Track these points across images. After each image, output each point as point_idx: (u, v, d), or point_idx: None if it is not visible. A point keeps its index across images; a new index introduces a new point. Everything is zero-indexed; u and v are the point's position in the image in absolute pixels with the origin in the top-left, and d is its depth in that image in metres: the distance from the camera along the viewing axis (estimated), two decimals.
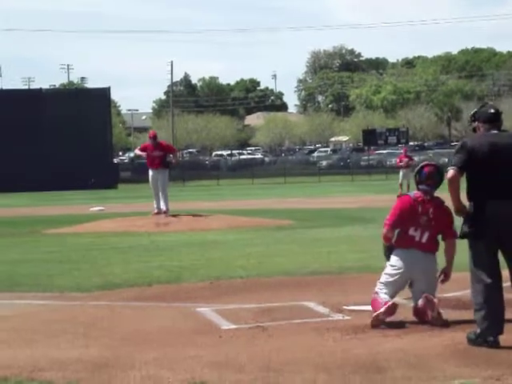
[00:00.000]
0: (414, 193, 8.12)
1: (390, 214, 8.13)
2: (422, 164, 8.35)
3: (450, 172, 7.02)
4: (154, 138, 21.02)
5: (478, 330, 7.03)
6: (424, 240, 7.92)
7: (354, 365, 6.52)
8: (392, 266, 8.01)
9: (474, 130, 7.43)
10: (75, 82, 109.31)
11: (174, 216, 20.81)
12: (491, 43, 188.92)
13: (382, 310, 7.75)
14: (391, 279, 7.97)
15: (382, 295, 7.94)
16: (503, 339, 7.01)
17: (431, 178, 8.09)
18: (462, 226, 7.23)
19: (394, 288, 8.02)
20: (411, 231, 7.93)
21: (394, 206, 8.14)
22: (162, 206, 20.85)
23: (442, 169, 8.21)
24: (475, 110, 7.52)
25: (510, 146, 7.07)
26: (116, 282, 11.49)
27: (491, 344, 6.94)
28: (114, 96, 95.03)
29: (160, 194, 20.89)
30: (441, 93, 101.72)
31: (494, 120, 7.24)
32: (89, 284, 11.30)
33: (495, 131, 7.20)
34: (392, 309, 7.80)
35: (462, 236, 7.27)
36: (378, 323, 7.77)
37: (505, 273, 7.17)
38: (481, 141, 7.12)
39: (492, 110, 7.31)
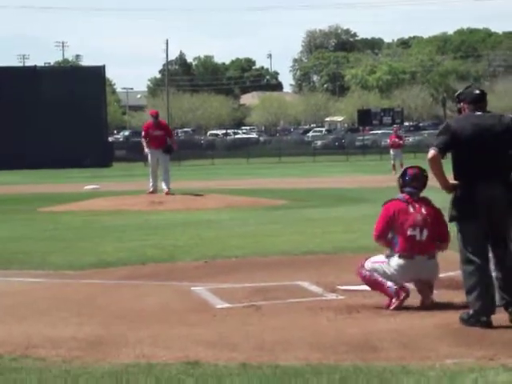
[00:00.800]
0: (402, 195, 8.01)
1: (376, 223, 8.01)
2: (405, 167, 8.33)
3: (431, 152, 7.08)
4: (157, 116, 21.41)
5: (471, 311, 7.06)
6: (424, 237, 7.75)
7: (347, 344, 6.53)
8: (396, 270, 7.79)
9: (460, 110, 7.48)
10: (70, 59, 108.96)
11: (169, 194, 20.77)
12: (487, 24, 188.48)
13: (398, 302, 7.70)
14: (394, 277, 7.82)
15: (389, 283, 7.81)
16: (495, 319, 7.04)
17: (416, 179, 8.02)
18: (449, 209, 7.26)
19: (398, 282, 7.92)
20: (410, 231, 7.76)
21: (379, 215, 7.98)
22: (164, 186, 20.82)
23: (426, 171, 8.16)
24: (460, 91, 7.57)
25: (492, 127, 7.10)
26: (110, 260, 11.50)
27: (484, 324, 6.97)
28: (108, 74, 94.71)
29: (163, 174, 20.92)
30: (436, 73, 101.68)
31: (479, 101, 7.28)
32: (82, 262, 11.30)
33: (479, 112, 7.23)
34: (407, 297, 7.77)
35: (451, 219, 7.30)
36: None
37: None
38: (464, 122, 7.17)
39: (477, 91, 7.36)
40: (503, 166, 7.12)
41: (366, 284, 8.06)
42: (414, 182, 8.02)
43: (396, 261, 7.78)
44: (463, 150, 7.08)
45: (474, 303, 7.05)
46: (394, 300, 7.76)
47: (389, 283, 7.81)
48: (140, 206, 19.64)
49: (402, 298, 7.72)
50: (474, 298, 7.05)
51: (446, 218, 7.47)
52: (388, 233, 7.92)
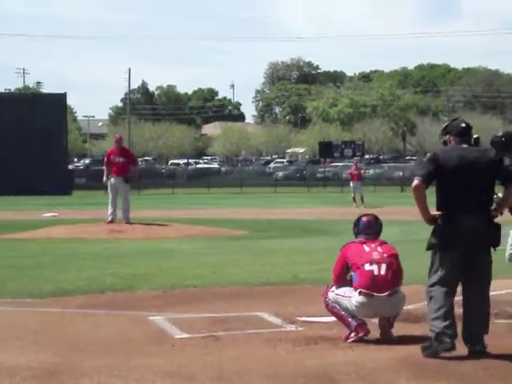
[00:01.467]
0: (357, 239, 8.04)
1: (334, 267, 8.02)
2: (360, 214, 8.37)
3: (415, 182, 7.19)
4: (120, 140, 21.19)
5: (434, 335, 7.07)
6: (383, 272, 7.71)
7: (305, 376, 6.54)
8: (356, 307, 7.74)
9: (445, 142, 7.60)
10: (31, 86, 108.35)
11: (128, 223, 20.65)
12: (447, 59, 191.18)
13: (356, 337, 7.72)
14: (355, 313, 7.80)
15: (350, 319, 7.81)
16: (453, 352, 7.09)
17: (370, 227, 8.07)
18: (429, 237, 7.32)
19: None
20: (367, 266, 7.74)
21: (337, 259, 8.00)
22: (123, 215, 20.63)
23: (379, 219, 8.25)
24: (447, 123, 7.72)
25: (476, 160, 7.21)
26: (68, 288, 11.40)
27: (447, 345, 7.00)
28: (70, 102, 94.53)
29: (122, 203, 20.70)
30: (396, 107, 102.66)
31: (465, 134, 7.41)
32: (41, 290, 11.20)
33: (465, 145, 7.35)
34: (365, 335, 7.78)
35: (429, 247, 7.36)
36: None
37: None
38: (450, 154, 7.28)
39: (463, 124, 7.49)
40: (486, 199, 7.25)
41: (329, 313, 8.07)
42: (367, 229, 8.07)
43: (356, 298, 7.74)
44: (447, 181, 7.18)
45: (438, 326, 7.09)
46: (352, 334, 7.78)
47: (349, 318, 7.82)
48: (100, 235, 19.52)
49: (360, 335, 7.74)
50: (438, 321, 7.10)
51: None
52: (345, 275, 7.94)
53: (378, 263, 7.75)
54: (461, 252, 7.14)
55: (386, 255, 7.82)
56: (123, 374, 6.61)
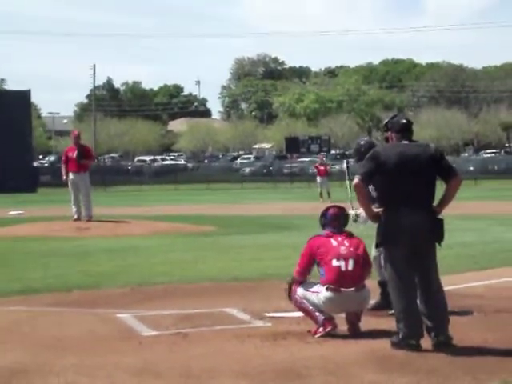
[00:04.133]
0: (324, 232, 8.06)
1: (299, 259, 8.02)
2: (326, 206, 8.39)
3: (355, 180, 7.29)
4: (77, 137, 20.85)
5: (401, 335, 7.18)
6: (350, 268, 7.74)
7: (273, 371, 6.55)
8: (323, 302, 7.78)
9: (387, 139, 7.68)
10: None
11: (94, 221, 20.53)
12: (411, 54, 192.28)
13: (324, 332, 7.75)
14: (322, 308, 7.83)
15: (317, 313, 7.84)
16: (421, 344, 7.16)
17: (336, 219, 8.10)
18: (376, 235, 7.39)
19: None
20: (334, 262, 7.77)
21: (302, 252, 8.00)
22: (84, 212, 20.50)
23: (346, 210, 8.31)
24: (387, 119, 7.75)
25: (417, 156, 7.25)
26: (35, 287, 11.33)
27: (414, 347, 7.09)
28: (34, 99, 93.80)
29: (82, 199, 20.54)
30: (362, 102, 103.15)
31: (406, 130, 7.45)
32: (7, 289, 11.12)
33: (405, 141, 7.40)
34: (333, 330, 7.81)
35: (378, 245, 7.44)
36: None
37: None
38: (390, 151, 7.32)
39: (404, 120, 7.54)
40: (426, 194, 7.27)
41: (297, 308, 8.09)
42: (334, 221, 8.10)
43: (324, 293, 7.77)
44: (388, 178, 7.22)
45: (402, 327, 7.18)
46: (320, 329, 7.82)
47: (317, 313, 7.85)
48: (66, 232, 19.40)
49: (327, 330, 7.77)
50: (403, 322, 7.18)
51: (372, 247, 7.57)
52: (310, 269, 7.97)
53: (346, 258, 7.78)
54: (406, 245, 7.19)
55: (352, 249, 7.85)
56: (91, 372, 6.59)
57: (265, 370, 6.58)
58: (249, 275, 12.19)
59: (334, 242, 7.89)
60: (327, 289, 7.74)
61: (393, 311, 7.84)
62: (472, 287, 10.83)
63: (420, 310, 7.25)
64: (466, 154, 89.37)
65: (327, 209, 8.26)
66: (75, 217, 20.56)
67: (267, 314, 8.90)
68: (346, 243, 7.90)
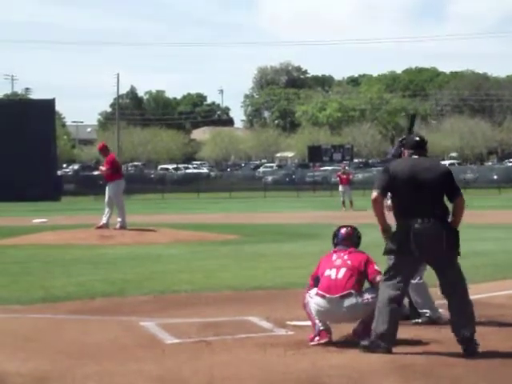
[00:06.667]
0: (333, 250, 8.23)
1: (311, 275, 8.20)
2: (339, 226, 8.51)
3: (373, 194, 7.54)
4: (101, 149, 21.11)
5: (373, 335, 7.36)
6: (340, 276, 7.82)
7: (296, 380, 6.53)
8: (313, 307, 7.91)
9: (400, 155, 8.07)
10: (19, 92, 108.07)
11: (118, 229, 20.57)
12: (434, 63, 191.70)
13: (317, 343, 7.76)
14: (315, 314, 7.92)
15: (317, 321, 7.89)
16: (443, 353, 7.09)
17: (348, 238, 8.26)
18: (386, 243, 7.57)
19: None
20: (327, 272, 7.93)
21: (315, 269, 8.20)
22: (118, 219, 20.46)
23: (358, 230, 8.42)
24: (403, 136, 8.19)
25: (427, 170, 7.48)
26: (58, 294, 11.37)
27: (384, 350, 7.25)
28: (58, 107, 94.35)
29: (116, 207, 20.47)
30: (385, 111, 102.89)
31: (418, 147, 7.73)
32: (30, 297, 11.16)
33: (416, 156, 7.65)
34: (327, 341, 7.81)
35: (386, 252, 7.62)
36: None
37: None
38: (401, 165, 7.59)
39: (417, 138, 7.84)
40: (437, 205, 7.42)
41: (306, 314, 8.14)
42: (345, 240, 8.26)
43: (314, 299, 7.92)
44: (400, 190, 7.45)
45: (377, 328, 7.34)
46: (316, 338, 7.84)
47: (317, 321, 7.92)
48: (89, 240, 19.47)
49: (321, 341, 7.78)
50: (380, 322, 7.34)
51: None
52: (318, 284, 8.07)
53: (338, 268, 7.92)
54: (417, 256, 7.36)
55: (349, 261, 7.96)
56: (113, 380, 6.59)
57: (288, 379, 6.56)
58: (271, 284, 12.17)
59: (334, 257, 8.08)
60: (316, 294, 7.90)
61: (416, 320, 7.80)
62: (493, 297, 10.76)
63: (447, 316, 7.28)
64: (490, 163, 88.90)
65: (339, 228, 8.41)
66: (100, 223, 20.60)
67: (290, 323, 8.88)
68: (345, 257, 8.03)
